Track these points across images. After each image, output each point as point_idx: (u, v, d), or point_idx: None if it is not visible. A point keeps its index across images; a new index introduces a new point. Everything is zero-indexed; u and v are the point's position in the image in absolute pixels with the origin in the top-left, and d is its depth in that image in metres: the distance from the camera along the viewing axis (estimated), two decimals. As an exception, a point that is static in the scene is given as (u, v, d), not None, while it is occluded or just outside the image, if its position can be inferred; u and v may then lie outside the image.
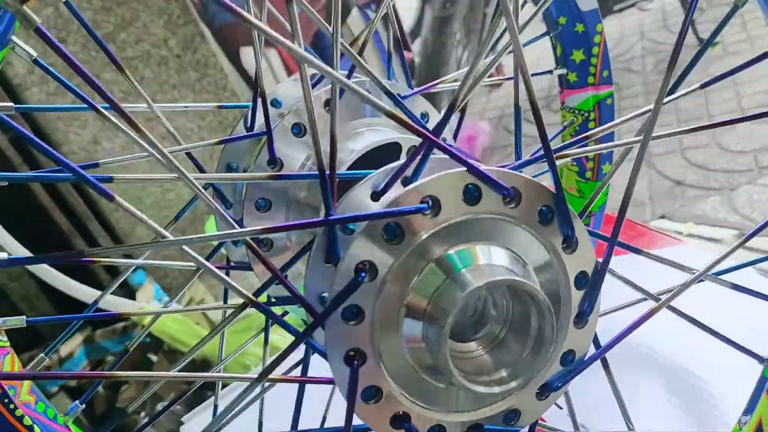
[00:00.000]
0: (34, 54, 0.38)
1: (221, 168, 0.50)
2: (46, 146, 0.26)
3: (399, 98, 0.44)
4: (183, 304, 1.18)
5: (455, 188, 0.30)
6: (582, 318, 0.33)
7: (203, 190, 0.30)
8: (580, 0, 0.56)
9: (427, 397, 0.32)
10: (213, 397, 0.54)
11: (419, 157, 0.31)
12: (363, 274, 0.28)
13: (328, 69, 0.27)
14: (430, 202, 0.29)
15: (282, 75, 3.18)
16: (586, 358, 0.34)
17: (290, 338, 0.31)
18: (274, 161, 0.46)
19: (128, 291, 1.42)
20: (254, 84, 0.48)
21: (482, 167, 0.30)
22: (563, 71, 0.61)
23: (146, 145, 0.30)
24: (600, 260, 0.33)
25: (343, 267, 0.29)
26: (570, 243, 0.32)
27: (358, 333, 0.29)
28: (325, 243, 0.31)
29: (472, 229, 0.31)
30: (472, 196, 0.30)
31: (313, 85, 0.53)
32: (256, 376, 0.29)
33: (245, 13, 0.25)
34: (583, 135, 0.35)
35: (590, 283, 0.33)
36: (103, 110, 0.32)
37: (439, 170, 0.30)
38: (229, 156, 0.51)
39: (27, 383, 0.46)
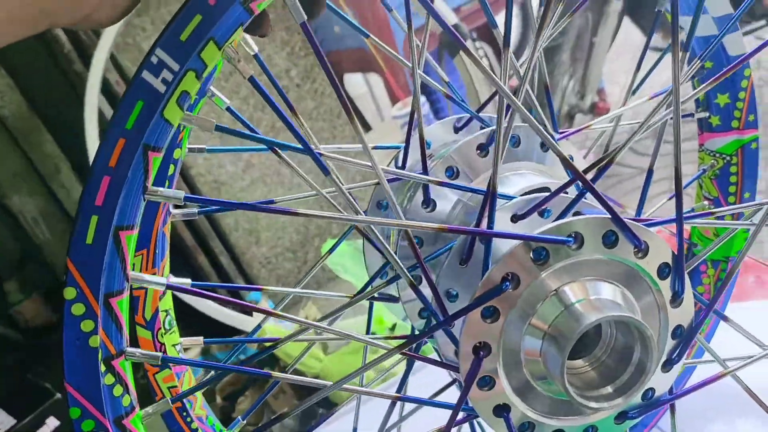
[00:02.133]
0: (228, 102, 0.41)
1: (372, 206, 0.52)
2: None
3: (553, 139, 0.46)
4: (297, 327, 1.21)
5: (598, 231, 0.36)
6: (669, 364, 0.40)
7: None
8: (728, 45, 0.54)
9: (527, 397, 0.39)
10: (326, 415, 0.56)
11: (570, 200, 0.38)
12: (507, 284, 0.35)
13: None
14: (576, 238, 0.35)
15: (383, 99, 3.21)
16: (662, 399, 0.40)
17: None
18: (428, 202, 0.47)
19: (243, 308, 1.47)
20: (408, 126, 0.50)
21: (624, 218, 0.36)
22: (705, 114, 0.59)
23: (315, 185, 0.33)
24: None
25: (492, 274, 0.35)
26: (677, 299, 0.39)
27: (490, 330, 0.36)
28: (464, 248, 0.38)
29: (602, 267, 0.37)
30: (609, 240, 0.36)
31: (462, 127, 0.53)
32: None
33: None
34: (713, 211, 0.42)
35: (684, 337, 0.39)
36: (279, 151, 0.36)
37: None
38: (379, 194, 0.52)
39: (200, 399, 0.49)
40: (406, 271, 0.36)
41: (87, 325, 0.30)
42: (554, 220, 0.38)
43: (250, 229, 1.50)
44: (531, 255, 0.35)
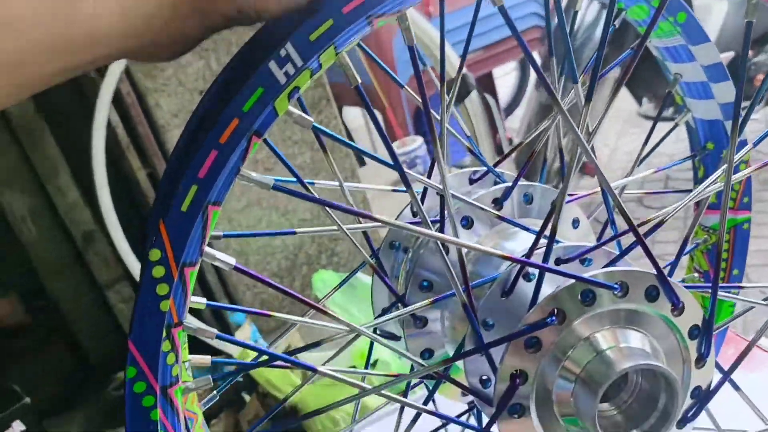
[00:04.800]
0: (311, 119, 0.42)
1: (385, 245, 0.54)
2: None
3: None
4: (280, 351, 1.22)
5: (642, 284, 0.38)
6: (701, 359, 0.42)
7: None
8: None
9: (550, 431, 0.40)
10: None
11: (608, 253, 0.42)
12: (554, 318, 0.38)
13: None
14: (622, 287, 0.38)
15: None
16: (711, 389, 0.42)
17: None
18: (443, 248, 0.50)
19: (225, 329, 1.48)
20: (428, 174, 0.52)
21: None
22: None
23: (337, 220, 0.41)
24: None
25: (542, 306, 0.38)
26: (701, 361, 0.41)
27: (530, 360, 0.38)
28: (507, 281, 0.41)
29: (639, 318, 0.40)
30: (651, 295, 0.39)
31: (478, 179, 0.56)
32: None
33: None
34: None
35: (702, 331, 0.41)
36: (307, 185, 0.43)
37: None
38: (393, 234, 0.55)
39: (200, 418, 0.51)
40: (461, 289, 0.38)
41: (162, 289, 0.31)
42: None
43: (240, 251, 1.51)
44: (579, 296, 0.37)
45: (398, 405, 0.54)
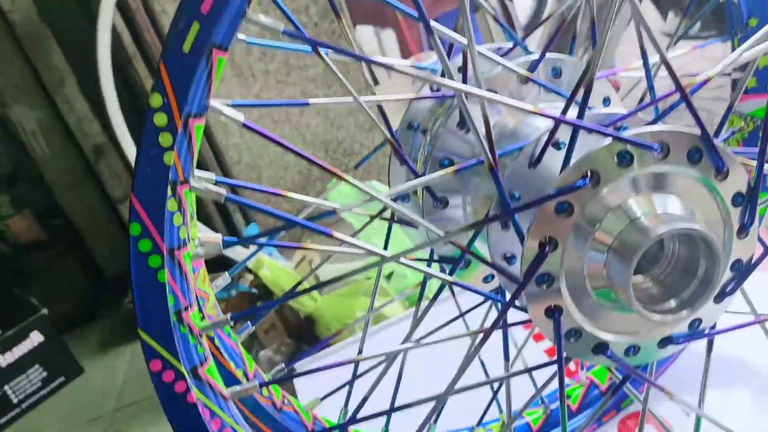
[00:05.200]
0: None
1: (403, 126, 0.52)
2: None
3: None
4: (294, 263, 1.22)
5: (685, 145, 0.35)
6: (744, 230, 0.39)
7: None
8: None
9: (580, 304, 0.38)
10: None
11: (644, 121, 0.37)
12: (587, 180, 0.35)
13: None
14: (662, 147, 0.35)
15: (393, 54, 3.19)
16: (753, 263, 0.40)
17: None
18: (464, 123, 0.47)
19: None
20: (449, 52, 0.49)
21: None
22: (741, 75, 0.59)
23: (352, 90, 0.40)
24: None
25: (574, 168, 0.35)
26: (743, 231, 0.38)
27: (560, 225, 0.36)
28: (534, 151, 0.38)
29: (679, 181, 0.37)
30: (694, 157, 0.36)
31: (502, 55, 0.53)
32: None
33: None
34: None
35: (746, 199, 0.38)
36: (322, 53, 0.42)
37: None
38: (411, 115, 0.52)
39: (212, 299, 0.49)
40: (488, 151, 0.34)
41: (165, 139, 0.29)
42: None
43: (252, 164, 1.49)
44: (615, 157, 0.34)
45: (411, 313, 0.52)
